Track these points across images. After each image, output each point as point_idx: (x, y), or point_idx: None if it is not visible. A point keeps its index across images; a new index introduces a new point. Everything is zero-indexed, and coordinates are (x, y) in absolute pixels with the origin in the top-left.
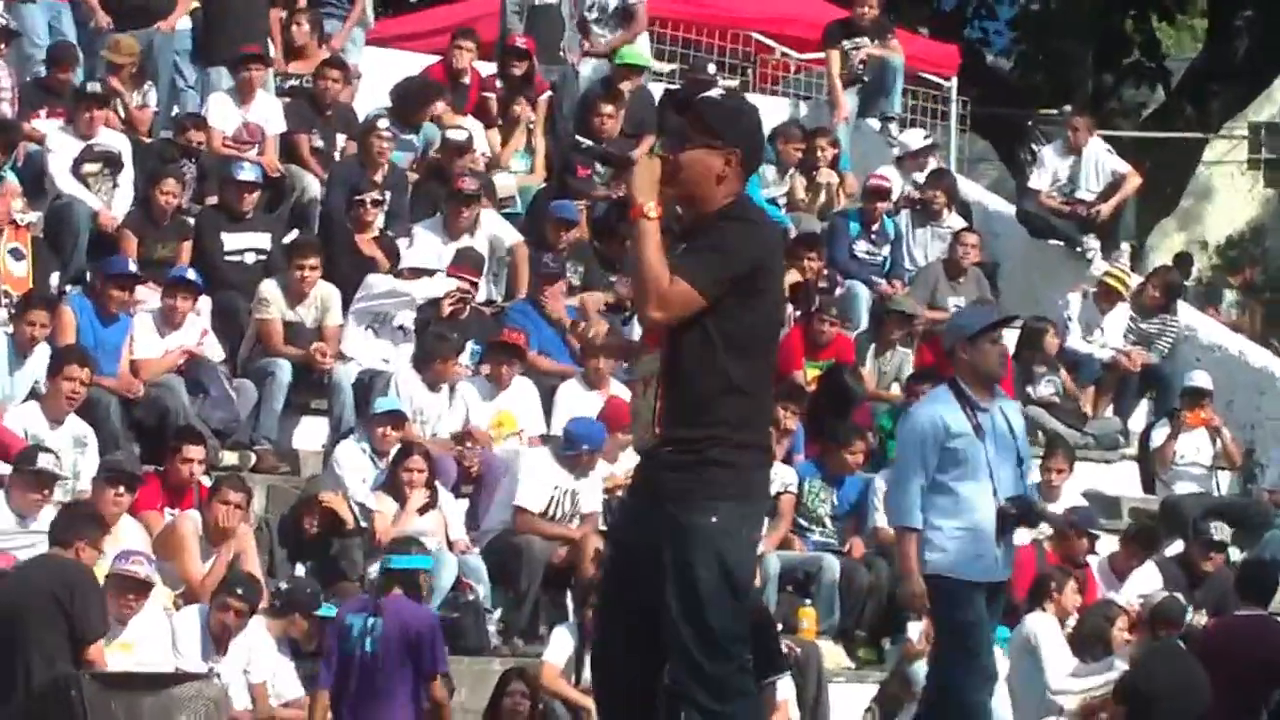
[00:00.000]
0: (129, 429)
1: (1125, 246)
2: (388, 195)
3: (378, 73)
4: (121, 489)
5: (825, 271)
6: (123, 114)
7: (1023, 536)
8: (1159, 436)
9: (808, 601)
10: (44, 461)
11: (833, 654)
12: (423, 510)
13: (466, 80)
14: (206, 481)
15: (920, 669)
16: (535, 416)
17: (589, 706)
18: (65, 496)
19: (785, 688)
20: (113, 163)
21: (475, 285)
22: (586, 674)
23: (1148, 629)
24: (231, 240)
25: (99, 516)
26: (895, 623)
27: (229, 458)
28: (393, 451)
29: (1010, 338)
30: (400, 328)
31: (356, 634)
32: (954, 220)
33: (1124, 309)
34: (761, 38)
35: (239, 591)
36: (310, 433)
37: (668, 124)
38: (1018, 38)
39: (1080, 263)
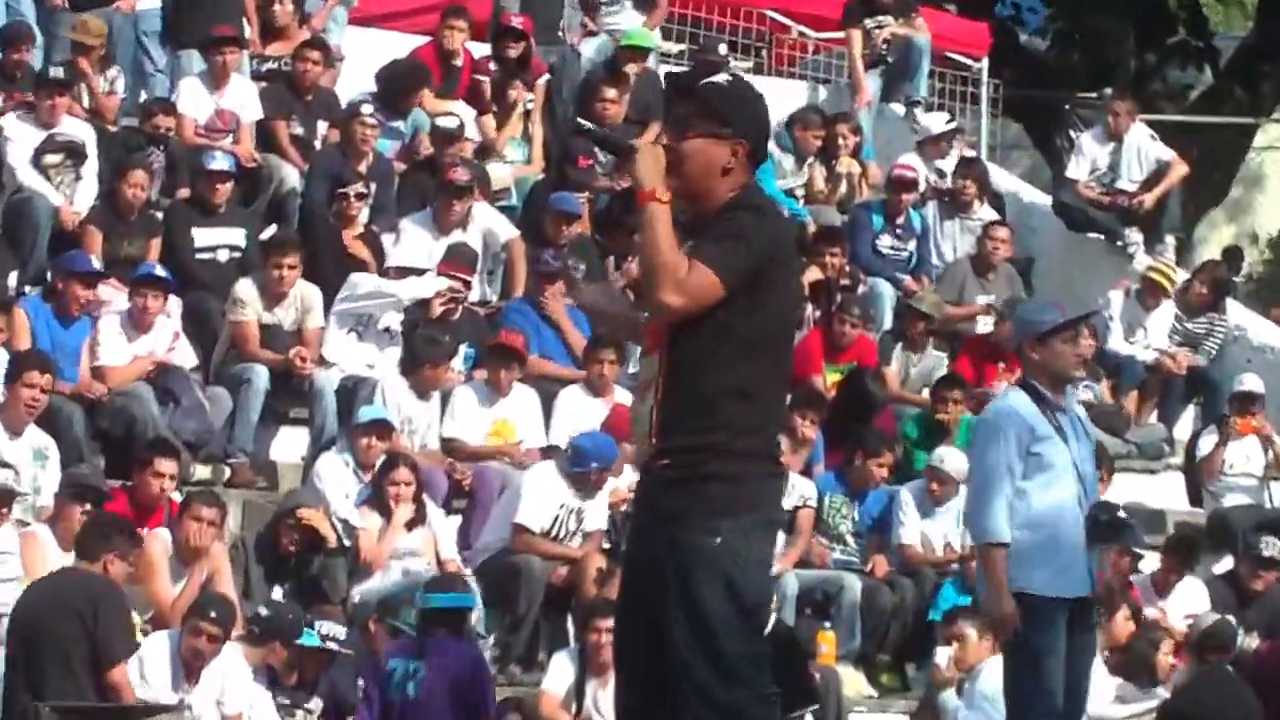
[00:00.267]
0: (93, 440)
1: (1170, 240)
2: (373, 187)
3: (362, 55)
4: (88, 505)
5: (847, 268)
6: (88, 101)
7: None
8: (1206, 445)
9: (827, 624)
10: (1, 476)
11: (853, 681)
12: (410, 526)
13: (458, 63)
14: (177, 497)
15: (950, 698)
16: (536, 427)
17: None
18: (25, 514)
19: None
20: (75, 153)
21: (468, 284)
22: (587, 704)
23: (1195, 653)
24: (203, 236)
25: (130, 526)
26: (921, 647)
27: (201, 471)
28: (378, 464)
29: None
30: (386, 330)
31: (399, 678)
32: (985, 212)
33: (1169, 307)
34: (777, 16)
35: (212, 615)
36: (289, 444)
37: (670, 112)
38: (1053, 15)
39: (1121, 258)
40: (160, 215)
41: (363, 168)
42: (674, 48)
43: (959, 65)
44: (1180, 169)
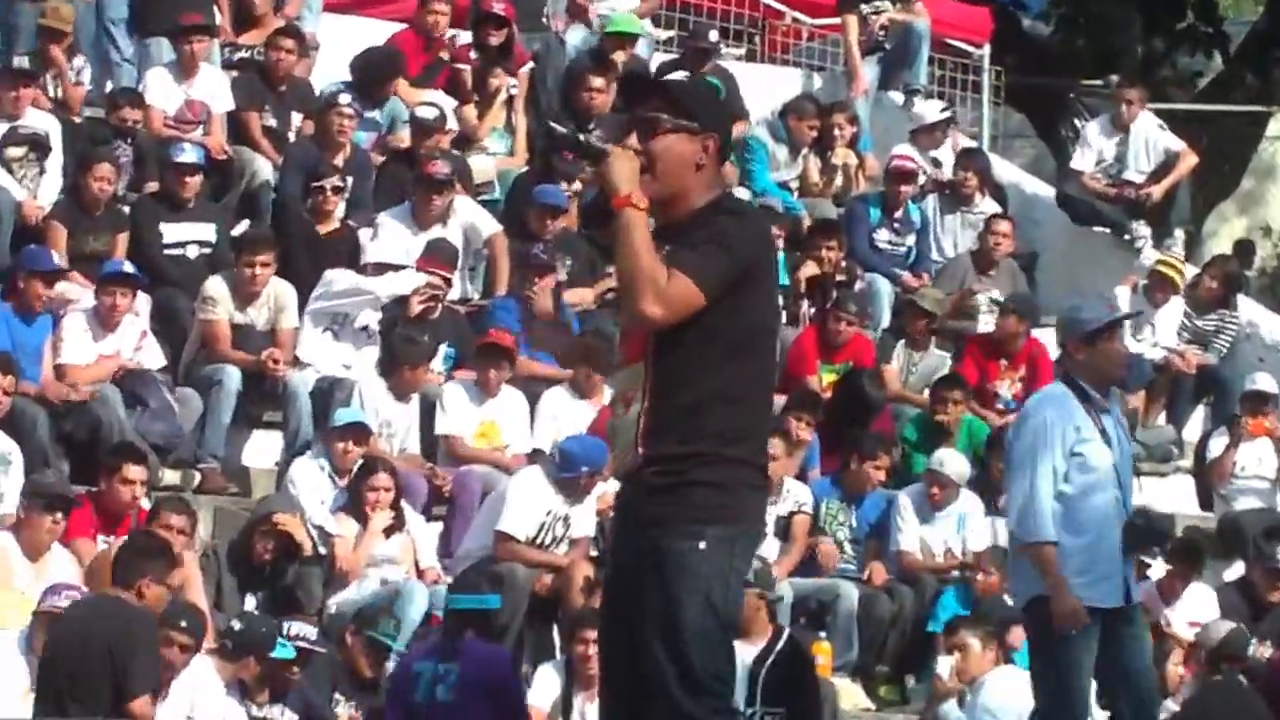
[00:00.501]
0: (58, 444)
1: (1179, 234)
2: (349, 180)
3: (337, 43)
4: (59, 515)
5: (843, 263)
6: (55, 91)
7: None
8: (1217, 446)
9: (822, 634)
10: None
11: (850, 693)
12: (388, 533)
13: (444, 55)
14: (146, 504)
15: (952, 710)
16: (523, 431)
17: None
18: None
19: None
20: (39, 146)
21: (448, 281)
22: (575, 718)
23: (1206, 663)
24: (172, 231)
25: (166, 548)
26: (921, 658)
27: (170, 477)
28: (355, 469)
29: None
30: (363, 329)
31: (427, 681)
32: (987, 205)
33: (1178, 304)
34: (771, 1)
35: (183, 624)
36: (262, 448)
37: (634, 115)
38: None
39: (1129, 252)
40: (127, 210)
41: (339, 160)
42: (663, 34)
43: (959, 52)
44: (1190, 160)
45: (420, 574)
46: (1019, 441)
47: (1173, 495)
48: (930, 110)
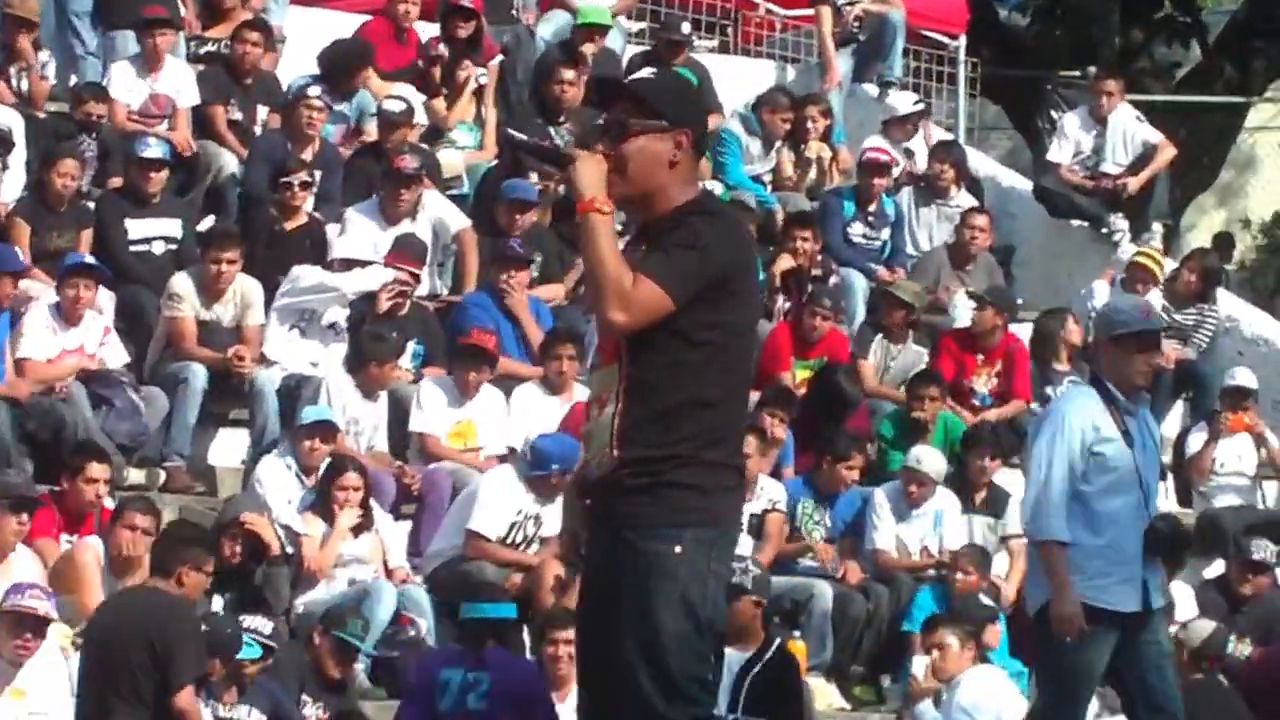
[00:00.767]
0: (20, 442)
1: (1157, 227)
2: (317, 175)
3: (304, 36)
4: (24, 515)
5: (819, 256)
6: (19, 85)
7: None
8: (1196, 442)
9: (797, 634)
10: None
11: (825, 693)
12: (356, 532)
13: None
14: (109, 504)
15: (927, 709)
16: (499, 430)
17: None
18: None
19: None
20: (2, 142)
21: (417, 277)
22: None
23: (1186, 663)
24: (137, 228)
25: (203, 533)
26: (897, 657)
27: (135, 476)
28: (322, 467)
29: (1022, 330)
30: (331, 326)
31: (456, 689)
32: (963, 198)
33: (1156, 298)
34: None
35: None
36: (228, 447)
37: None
38: None
39: (1106, 245)
40: (92, 206)
41: (308, 154)
42: (635, 26)
43: (935, 43)
44: (1168, 152)
45: (389, 574)
46: (1037, 439)
47: None
48: (903, 102)
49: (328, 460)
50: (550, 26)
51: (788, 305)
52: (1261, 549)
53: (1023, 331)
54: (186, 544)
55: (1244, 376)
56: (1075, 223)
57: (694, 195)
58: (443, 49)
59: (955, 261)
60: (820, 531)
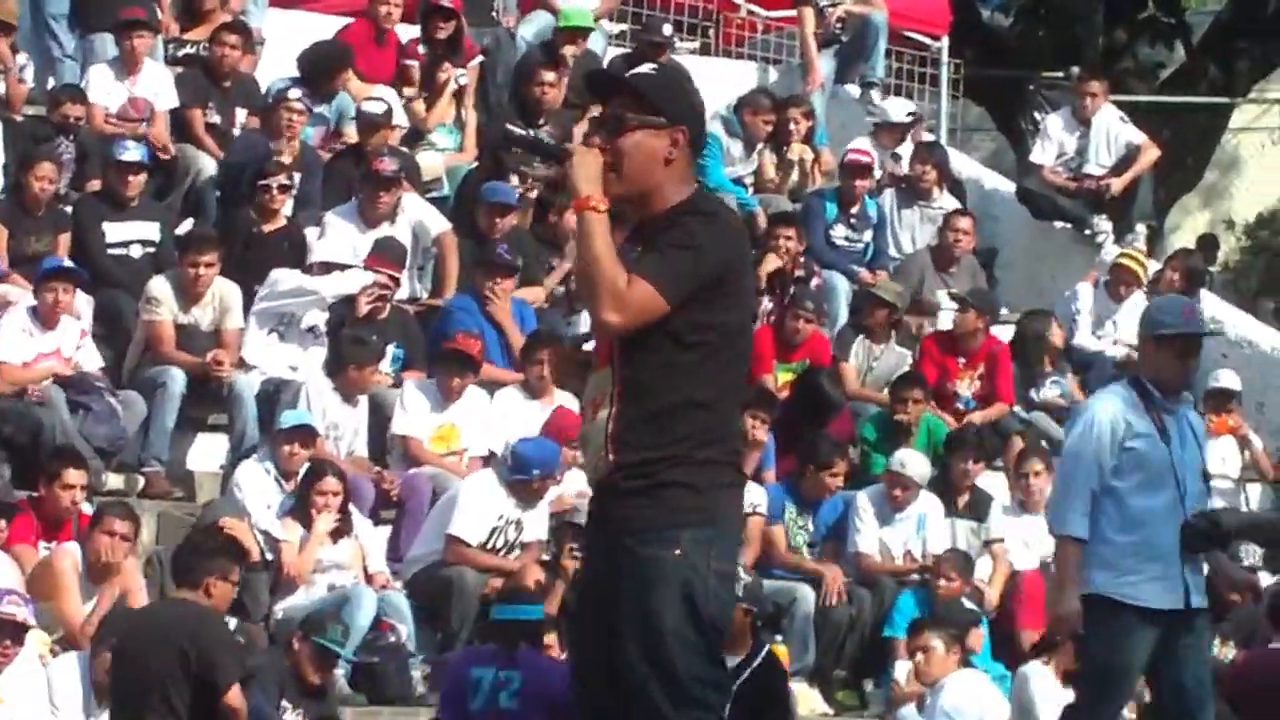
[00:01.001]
0: None
1: (1141, 228)
2: (296, 178)
3: (283, 38)
4: (2, 522)
5: (802, 256)
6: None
7: (1030, 559)
8: None
9: (779, 638)
10: None
11: (807, 698)
12: (335, 537)
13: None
14: (88, 509)
15: (911, 713)
16: (482, 433)
17: None
18: None
19: None
20: None
21: (396, 280)
22: None
23: None
24: (115, 231)
25: (228, 544)
26: (879, 661)
27: (114, 481)
28: (302, 472)
29: (1006, 334)
30: (310, 330)
31: (488, 687)
32: (945, 200)
33: (1139, 300)
34: None
35: None
36: (207, 452)
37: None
38: None
39: (1090, 247)
40: (69, 209)
41: (287, 157)
42: (615, 27)
43: (917, 44)
44: (1152, 153)
45: (369, 579)
46: (1068, 435)
47: None
48: (896, 109)
49: (307, 465)
50: (531, 28)
51: (770, 307)
52: (1246, 553)
53: (1005, 333)
54: (212, 554)
55: (1228, 379)
56: (1059, 224)
57: (689, 193)
58: (422, 50)
59: (939, 263)
60: (802, 536)
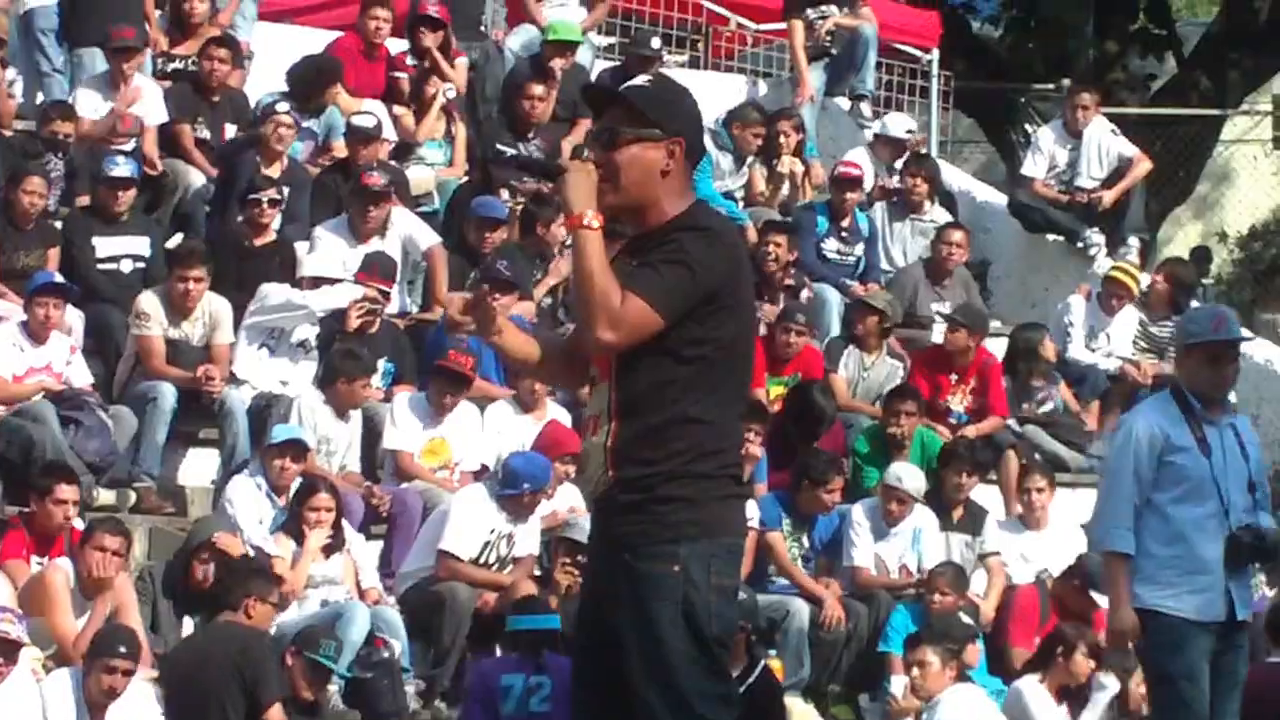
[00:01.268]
0: None
1: (1133, 241)
2: (285, 192)
3: (272, 52)
4: None
5: (793, 263)
6: None
7: (1027, 574)
8: None
9: (773, 652)
10: None
11: (802, 713)
12: (328, 553)
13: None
14: (79, 524)
15: None
16: (474, 447)
17: None
18: None
19: None
20: None
21: (386, 294)
22: None
23: None
24: (105, 246)
25: (265, 567)
26: (874, 676)
27: (105, 496)
28: (294, 487)
29: (999, 346)
30: (300, 344)
31: (519, 693)
32: (937, 213)
33: (1132, 312)
34: (715, 7)
35: (122, 650)
36: (198, 467)
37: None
38: (1007, 2)
39: (1082, 260)
40: (59, 224)
41: (275, 172)
42: (604, 40)
43: (908, 57)
44: (1143, 165)
45: (361, 594)
46: (1110, 449)
47: None
48: (896, 124)
49: (299, 480)
50: (519, 40)
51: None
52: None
53: (998, 346)
54: (248, 576)
55: None
56: (1050, 237)
57: (686, 207)
58: (410, 62)
59: (932, 277)
60: (797, 550)
